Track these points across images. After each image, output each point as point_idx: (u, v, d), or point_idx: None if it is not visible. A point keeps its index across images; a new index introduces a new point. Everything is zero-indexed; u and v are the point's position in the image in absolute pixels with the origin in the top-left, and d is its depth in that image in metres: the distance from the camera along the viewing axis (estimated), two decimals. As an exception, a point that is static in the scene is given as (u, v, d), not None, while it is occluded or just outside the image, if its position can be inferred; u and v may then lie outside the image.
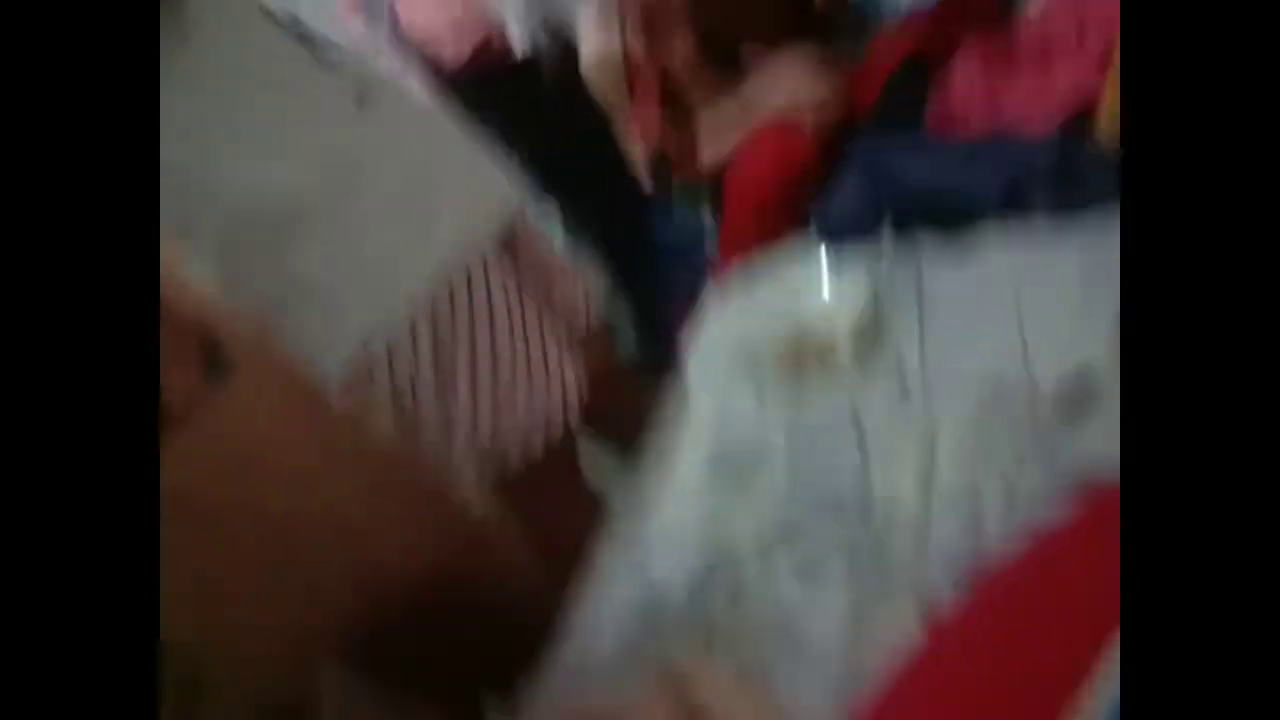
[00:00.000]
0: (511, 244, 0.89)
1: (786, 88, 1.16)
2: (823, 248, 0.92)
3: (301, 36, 0.76)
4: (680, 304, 1.71)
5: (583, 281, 0.98)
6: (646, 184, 1.34)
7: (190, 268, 0.63)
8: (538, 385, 0.80)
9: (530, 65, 1.81)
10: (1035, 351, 0.75)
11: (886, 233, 0.92)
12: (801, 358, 0.86)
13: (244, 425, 0.58)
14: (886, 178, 0.96)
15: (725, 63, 1.22)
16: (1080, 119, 0.93)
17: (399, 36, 1.71)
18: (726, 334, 0.93)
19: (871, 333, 0.86)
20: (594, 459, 1.01)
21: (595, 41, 1.28)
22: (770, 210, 1.05)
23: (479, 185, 0.86)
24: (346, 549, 0.62)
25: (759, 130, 1.13)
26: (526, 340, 0.80)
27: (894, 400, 0.79)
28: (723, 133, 1.22)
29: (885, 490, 0.71)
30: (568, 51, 1.48)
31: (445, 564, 0.67)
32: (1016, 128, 1.01)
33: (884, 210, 0.92)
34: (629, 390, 1.06)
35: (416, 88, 1.59)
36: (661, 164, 1.30)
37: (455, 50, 1.73)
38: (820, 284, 0.93)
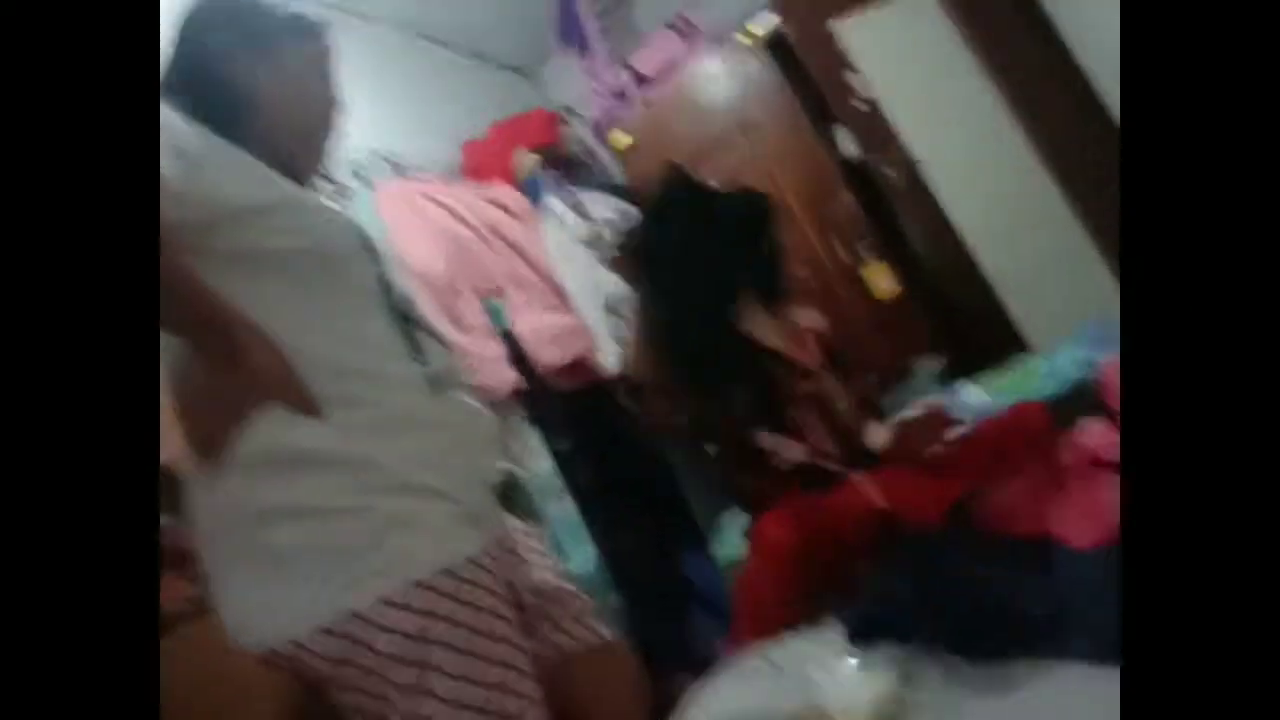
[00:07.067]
0: (510, 552, 0.90)
1: None
2: (847, 645, 0.88)
3: (406, 319, 0.84)
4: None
5: (580, 603, 0.94)
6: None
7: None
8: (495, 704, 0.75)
9: (615, 383, 1.97)
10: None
11: (920, 646, 0.87)
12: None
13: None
14: (930, 585, 0.93)
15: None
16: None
17: (509, 333, 1.92)
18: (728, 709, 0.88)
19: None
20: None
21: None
22: (795, 578, 1.02)
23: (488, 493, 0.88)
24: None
25: (784, 507, 1.14)
26: (502, 655, 0.77)
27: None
28: None
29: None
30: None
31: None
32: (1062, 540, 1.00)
33: (922, 623, 0.88)
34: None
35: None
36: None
37: (558, 355, 1.92)
38: (841, 675, 0.88)
